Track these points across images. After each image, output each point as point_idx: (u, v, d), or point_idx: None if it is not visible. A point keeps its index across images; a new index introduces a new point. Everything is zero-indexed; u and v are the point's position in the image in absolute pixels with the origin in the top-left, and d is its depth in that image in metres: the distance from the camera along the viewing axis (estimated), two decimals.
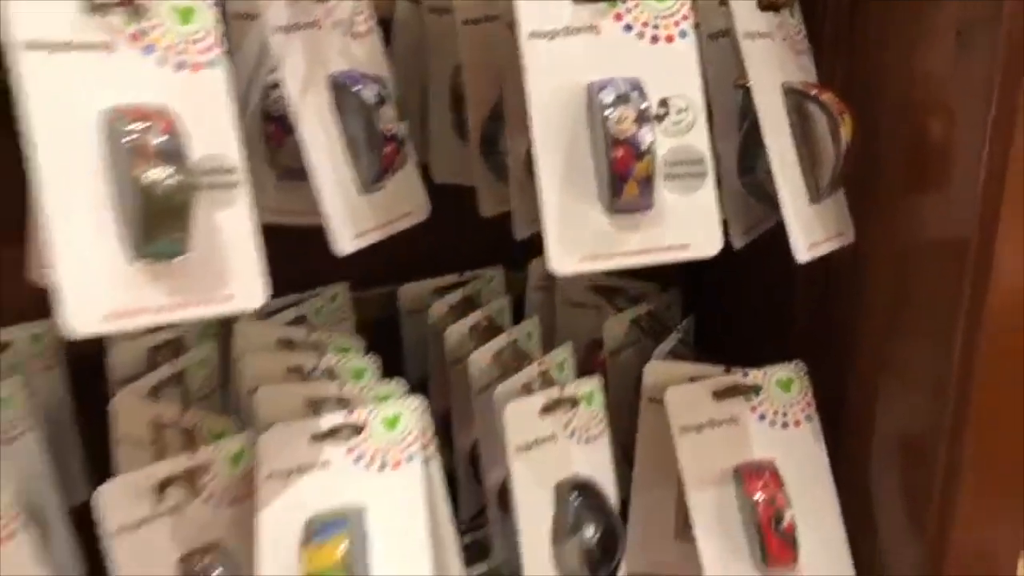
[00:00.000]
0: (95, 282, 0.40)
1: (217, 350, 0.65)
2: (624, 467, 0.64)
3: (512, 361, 0.63)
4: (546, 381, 0.60)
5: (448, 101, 0.65)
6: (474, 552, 0.64)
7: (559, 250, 0.48)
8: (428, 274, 0.76)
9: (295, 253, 0.53)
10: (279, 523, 0.49)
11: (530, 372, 0.59)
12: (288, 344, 0.64)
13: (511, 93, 0.56)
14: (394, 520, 0.49)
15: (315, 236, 0.52)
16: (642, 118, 0.47)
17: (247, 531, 0.51)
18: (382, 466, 0.50)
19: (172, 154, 0.40)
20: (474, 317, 0.69)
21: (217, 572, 0.51)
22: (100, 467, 0.57)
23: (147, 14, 0.42)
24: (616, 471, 0.61)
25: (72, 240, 0.39)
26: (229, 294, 0.43)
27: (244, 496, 0.52)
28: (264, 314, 0.67)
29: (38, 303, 0.53)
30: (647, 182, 0.48)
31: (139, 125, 0.40)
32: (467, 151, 0.64)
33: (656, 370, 0.62)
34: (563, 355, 0.63)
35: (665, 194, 0.49)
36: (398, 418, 0.51)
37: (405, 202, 0.57)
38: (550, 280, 0.77)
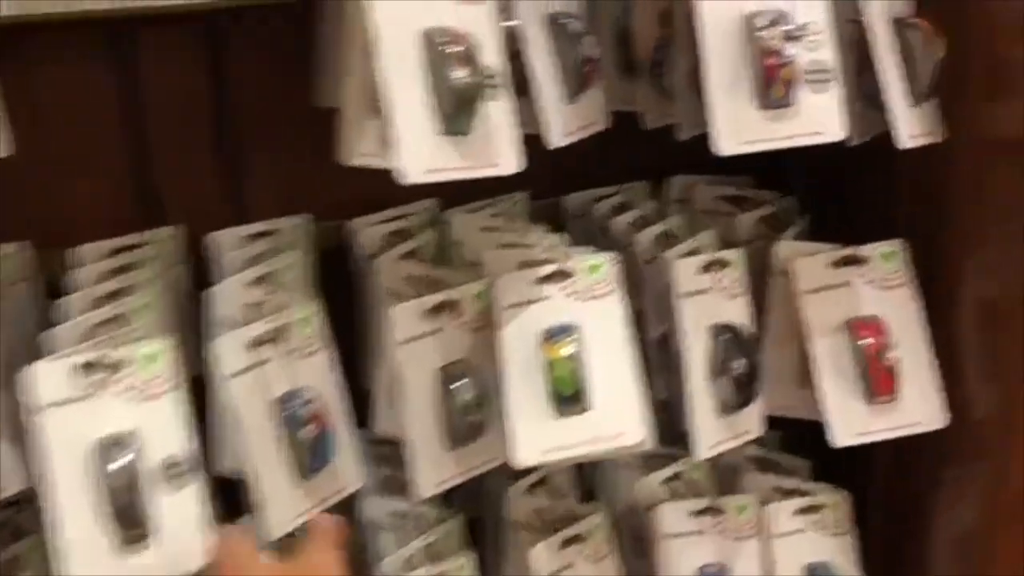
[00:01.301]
0: (419, 149, 0.59)
1: (436, 236, 0.84)
2: None
3: (668, 242, 0.81)
4: (697, 253, 0.77)
5: (613, 41, 0.82)
6: None
7: (724, 137, 0.65)
8: (588, 187, 0.93)
9: None
10: (517, 336, 0.67)
11: (689, 244, 0.77)
12: (491, 229, 0.82)
13: (681, 23, 0.73)
14: (600, 332, 0.67)
15: None
16: (787, 36, 0.64)
17: (485, 350, 0.70)
18: (589, 298, 0.68)
19: (468, 60, 0.58)
20: (633, 215, 0.86)
21: (463, 380, 0.70)
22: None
23: None
24: None
25: (405, 120, 0.58)
26: (496, 163, 0.62)
27: (484, 325, 0.71)
28: (468, 210, 0.86)
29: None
30: (790, 84, 0.65)
31: (447, 38, 0.58)
32: (627, 82, 0.81)
33: (784, 248, 0.79)
34: (708, 238, 0.80)
35: (802, 95, 0.66)
36: (600, 266, 0.69)
37: (594, 113, 0.74)
38: (687, 193, 0.94)
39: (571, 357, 0.65)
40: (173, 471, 0.61)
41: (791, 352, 0.81)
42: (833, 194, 0.88)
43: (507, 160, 0.62)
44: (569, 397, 0.65)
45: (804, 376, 0.81)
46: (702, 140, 0.78)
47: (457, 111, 0.59)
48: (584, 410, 0.66)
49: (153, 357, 0.62)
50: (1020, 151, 0.71)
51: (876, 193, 0.84)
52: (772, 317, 0.81)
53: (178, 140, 0.84)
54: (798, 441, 0.93)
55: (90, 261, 0.77)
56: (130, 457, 0.60)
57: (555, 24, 0.70)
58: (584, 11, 0.73)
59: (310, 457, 0.67)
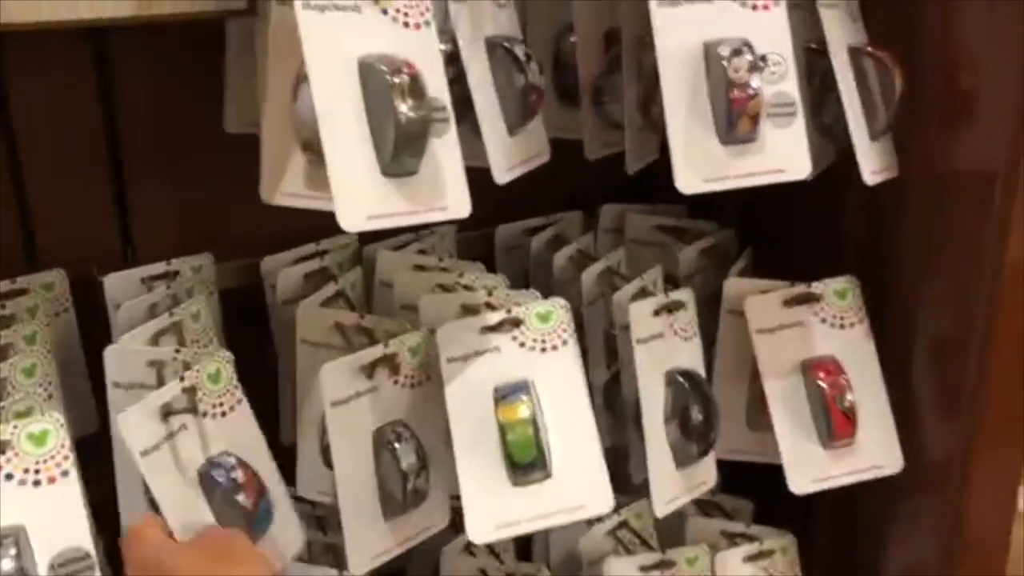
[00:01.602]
0: (360, 193, 0.51)
1: (360, 277, 0.76)
2: None
3: (611, 280, 0.76)
4: (647, 293, 0.72)
5: (550, 65, 0.76)
6: None
7: (686, 174, 0.60)
8: (516, 219, 0.87)
9: None
10: (465, 395, 0.60)
11: (635, 285, 0.72)
12: (422, 268, 0.75)
13: (628, 48, 0.67)
14: (556, 388, 0.61)
15: None
16: (752, 67, 0.60)
17: (426, 408, 0.63)
18: (542, 349, 0.62)
19: (416, 91, 0.52)
20: (570, 249, 0.81)
21: (403, 443, 0.63)
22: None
23: None
24: None
25: (344, 159, 0.51)
26: (446, 205, 0.55)
27: (423, 380, 0.64)
28: (393, 247, 0.78)
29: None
30: (756, 118, 0.60)
31: (391, 67, 0.51)
32: (565, 109, 0.76)
33: (735, 285, 0.75)
34: (655, 275, 0.76)
35: (765, 129, 0.62)
36: (551, 313, 0.63)
37: (537, 145, 0.68)
38: (619, 222, 0.89)
39: (528, 420, 0.58)
40: (69, 569, 0.52)
41: (740, 392, 0.77)
42: (772, 225, 0.84)
43: (457, 202, 0.55)
44: (527, 464, 0.59)
45: (754, 417, 0.77)
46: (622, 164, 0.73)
47: (403, 149, 0.52)
48: (544, 478, 0.59)
49: (42, 437, 0.53)
50: (973, 185, 0.69)
51: (820, 225, 0.81)
52: (721, 356, 0.76)
53: (60, 169, 0.74)
54: (738, 479, 0.90)
55: None
56: (16, 558, 0.50)
57: (497, 49, 0.63)
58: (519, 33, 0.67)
59: (248, 528, 0.59)
